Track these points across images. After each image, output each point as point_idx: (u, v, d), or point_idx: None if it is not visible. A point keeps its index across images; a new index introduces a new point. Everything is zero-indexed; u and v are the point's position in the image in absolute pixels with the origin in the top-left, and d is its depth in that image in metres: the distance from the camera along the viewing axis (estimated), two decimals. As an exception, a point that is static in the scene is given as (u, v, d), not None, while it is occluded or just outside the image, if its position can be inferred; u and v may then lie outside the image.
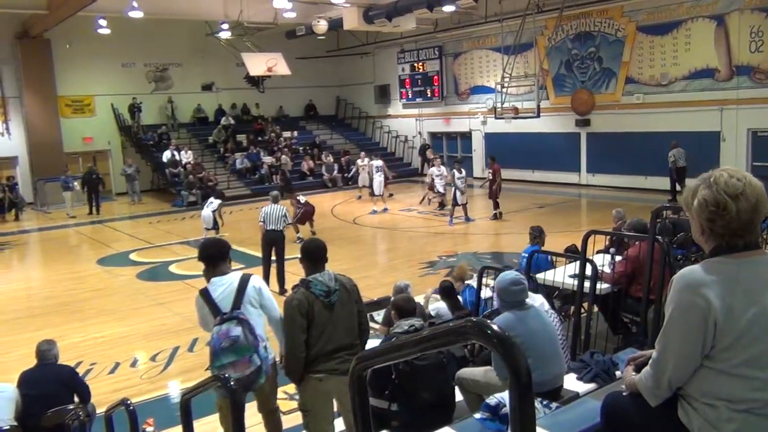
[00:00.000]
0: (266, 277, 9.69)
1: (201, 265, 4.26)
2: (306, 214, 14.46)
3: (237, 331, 3.88)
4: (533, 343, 3.78)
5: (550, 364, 3.95)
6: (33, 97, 22.17)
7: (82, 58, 22.92)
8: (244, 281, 4.12)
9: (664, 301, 2.26)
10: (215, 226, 14.22)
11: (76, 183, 19.92)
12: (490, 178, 15.88)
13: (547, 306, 4.81)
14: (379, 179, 17.81)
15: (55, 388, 5.11)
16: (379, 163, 18.30)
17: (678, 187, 16.12)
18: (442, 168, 17.13)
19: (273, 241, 10.18)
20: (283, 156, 23.40)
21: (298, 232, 14.05)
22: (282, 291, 9.68)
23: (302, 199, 14.69)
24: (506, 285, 4.02)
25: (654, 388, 2.05)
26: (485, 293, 6.70)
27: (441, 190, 16.96)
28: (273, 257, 10.28)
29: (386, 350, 2.35)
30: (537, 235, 7.65)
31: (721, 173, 1.94)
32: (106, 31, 20.63)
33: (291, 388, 5.78)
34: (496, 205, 15.84)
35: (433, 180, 17.01)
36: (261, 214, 10.37)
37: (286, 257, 10.24)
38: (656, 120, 17.88)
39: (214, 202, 14.37)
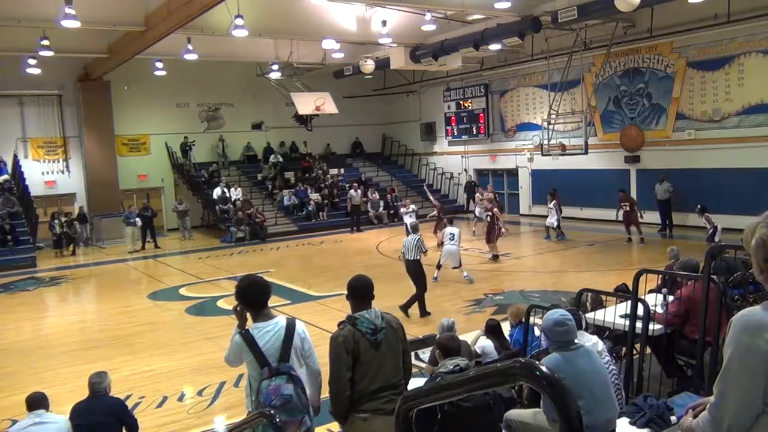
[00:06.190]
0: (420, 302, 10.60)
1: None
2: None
3: (289, 389, 3.77)
4: (583, 385, 3.65)
5: (602, 407, 3.80)
6: (92, 137, 23.12)
7: (139, 98, 23.89)
8: (291, 329, 3.99)
9: (721, 343, 2.18)
10: None
11: (138, 219, 20.55)
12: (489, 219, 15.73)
13: (601, 346, 4.64)
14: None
15: (105, 419, 5.19)
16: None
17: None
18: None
19: (407, 269, 10.81)
20: (351, 191, 23.24)
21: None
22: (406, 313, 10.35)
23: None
24: (550, 325, 3.88)
25: (712, 435, 1.96)
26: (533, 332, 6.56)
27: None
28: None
29: (432, 390, 2.32)
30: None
31: (781, 212, 1.88)
32: (162, 73, 21.57)
33: (335, 426, 5.74)
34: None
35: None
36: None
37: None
38: (709, 156, 17.45)
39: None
